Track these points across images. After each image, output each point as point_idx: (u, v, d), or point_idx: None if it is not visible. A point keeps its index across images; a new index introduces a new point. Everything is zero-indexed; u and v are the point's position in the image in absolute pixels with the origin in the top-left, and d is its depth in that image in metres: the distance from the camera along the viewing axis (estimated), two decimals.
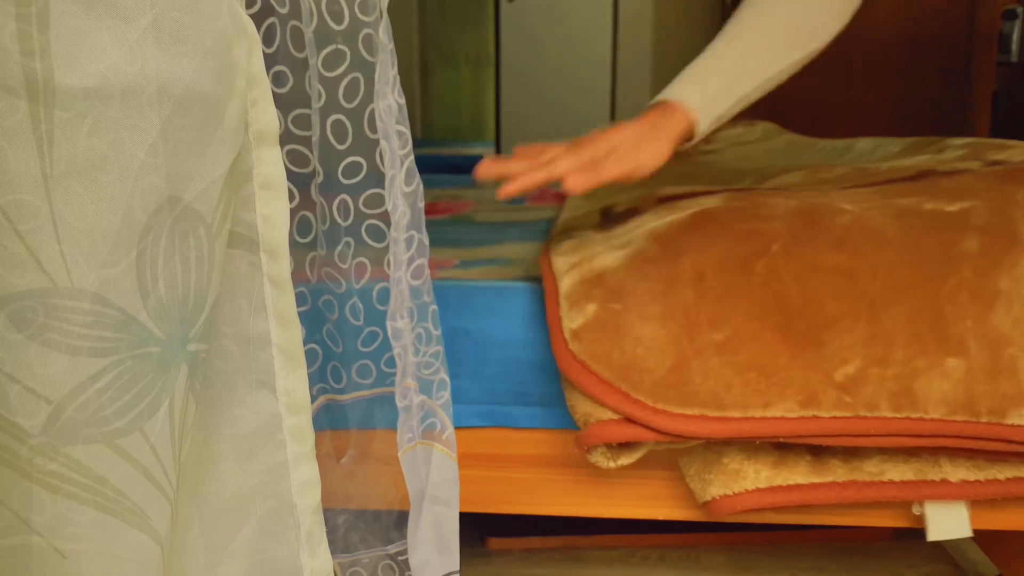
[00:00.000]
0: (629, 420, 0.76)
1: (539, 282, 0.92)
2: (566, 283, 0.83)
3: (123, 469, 0.46)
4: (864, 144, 1.33)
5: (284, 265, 0.56)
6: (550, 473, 0.88)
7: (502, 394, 0.88)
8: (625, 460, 0.78)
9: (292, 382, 0.57)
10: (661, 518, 0.86)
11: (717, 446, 0.80)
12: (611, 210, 1.02)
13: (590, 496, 0.86)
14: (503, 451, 0.89)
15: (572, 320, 0.79)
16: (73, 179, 0.42)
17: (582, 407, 0.77)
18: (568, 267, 0.85)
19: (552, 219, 1.35)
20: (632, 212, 0.96)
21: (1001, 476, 0.76)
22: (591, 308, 0.79)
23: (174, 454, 0.48)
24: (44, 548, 0.45)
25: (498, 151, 2.92)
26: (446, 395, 0.73)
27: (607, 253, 0.85)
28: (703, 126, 0.89)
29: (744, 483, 0.77)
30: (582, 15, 2.81)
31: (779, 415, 0.75)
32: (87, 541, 0.46)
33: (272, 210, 0.54)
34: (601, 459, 0.77)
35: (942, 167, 1.00)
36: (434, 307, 0.72)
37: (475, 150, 3.25)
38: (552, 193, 1.64)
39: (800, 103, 2.32)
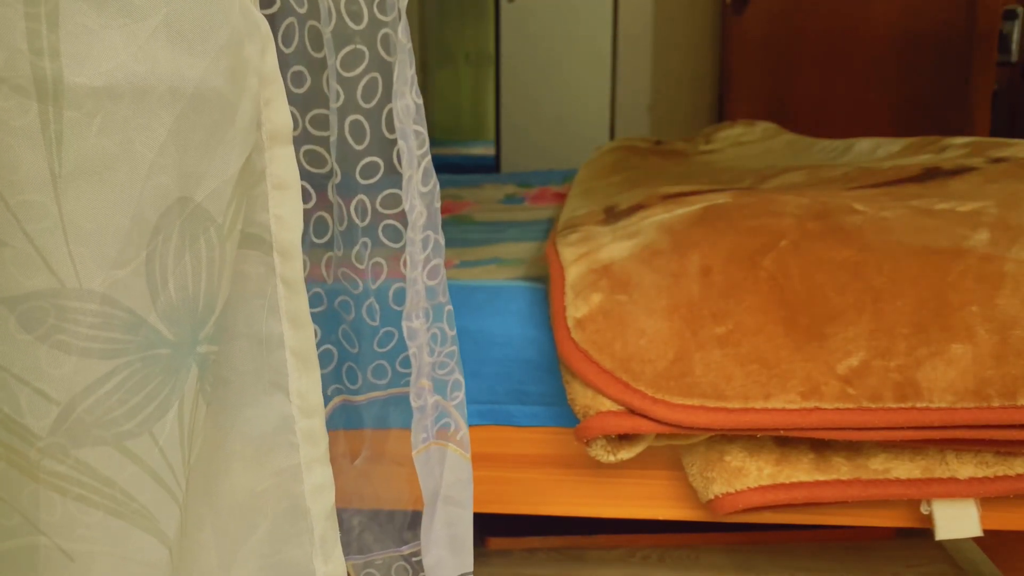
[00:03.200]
0: (629, 411, 0.76)
1: (538, 281, 0.92)
2: (573, 272, 0.83)
3: (131, 471, 0.46)
4: (864, 144, 1.33)
5: (297, 266, 0.55)
6: (550, 473, 0.87)
7: (502, 393, 0.88)
8: (625, 454, 0.78)
9: (305, 384, 0.57)
10: (662, 518, 0.86)
11: (719, 444, 0.80)
12: (614, 208, 1.02)
13: (590, 496, 0.86)
14: (503, 450, 0.89)
15: (577, 309, 0.79)
16: (82, 179, 0.42)
17: (582, 399, 0.77)
18: (576, 257, 0.85)
19: (552, 219, 1.35)
20: (637, 208, 0.97)
21: (1011, 472, 0.76)
22: (596, 298, 0.79)
23: (183, 456, 0.48)
24: (51, 549, 0.45)
25: (498, 151, 2.92)
26: (460, 395, 0.73)
27: (614, 244, 0.85)
28: None
29: (746, 480, 0.77)
30: (582, 15, 2.81)
31: (780, 406, 0.74)
32: (95, 543, 0.46)
33: (285, 210, 0.54)
34: (601, 452, 0.77)
35: (947, 164, 1.00)
36: (449, 308, 0.72)
37: (475, 150, 3.26)
38: (552, 193, 1.64)
39: (800, 103, 2.33)
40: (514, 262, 1.06)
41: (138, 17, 0.42)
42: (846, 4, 2.28)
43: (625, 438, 0.79)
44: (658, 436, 0.79)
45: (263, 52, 0.51)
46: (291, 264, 0.55)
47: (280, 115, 0.53)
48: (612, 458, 0.77)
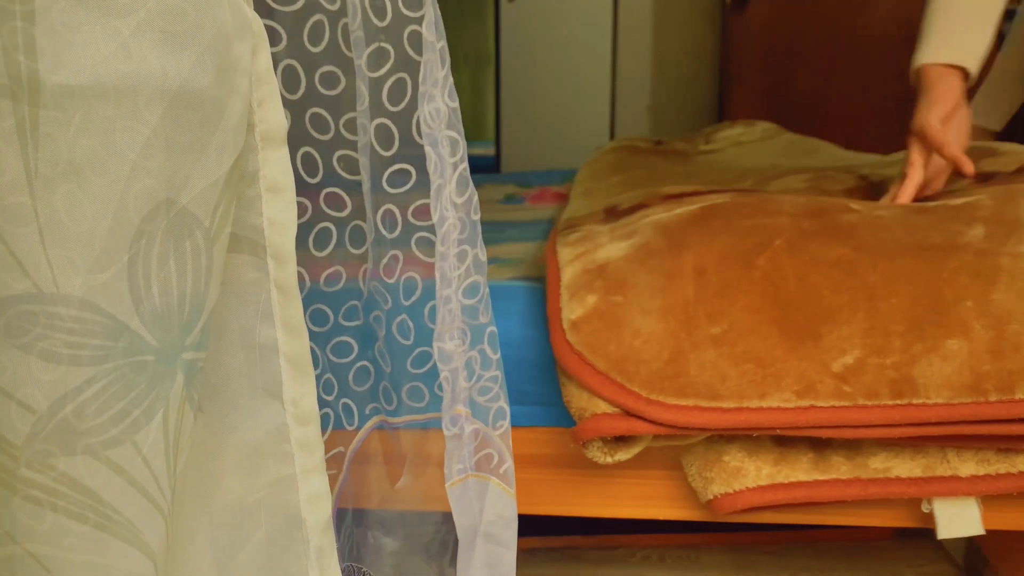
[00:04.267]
0: (625, 412, 0.76)
1: (538, 281, 0.92)
2: (568, 273, 0.83)
3: (112, 482, 0.44)
4: (868, 159, 1.33)
5: (291, 271, 0.54)
6: (550, 473, 0.87)
7: None
8: (622, 455, 0.78)
9: (300, 392, 0.55)
10: (661, 518, 0.86)
11: (718, 444, 0.79)
12: (615, 208, 1.02)
13: (590, 496, 0.86)
14: None
15: (572, 311, 0.79)
16: (60, 181, 0.40)
17: (577, 401, 0.77)
18: (572, 257, 0.85)
19: (552, 219, 1.35)
20: (638, 207, 0.97)
21: (1013, 470, 0.75)
22: (591, 299, 0.79)
23: (169, 466, 0.47)
24: (28, 561, 0.44)
25: (498, 151, 2.92)
26: (505, 424, 0.68)
27: (611, 244, 0.85)
28: (974, 69, 0.94)
29: (745, 481, 0.77)
30: (582, 15, 2.81)
31: (775, 405, 0.74)
32: (75, 553, 0.44)
33: (279, 214, 0.52)
34: (598, 454, 0.77)
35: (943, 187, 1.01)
36: (492, 329, 0.67)
37: (475, 150, 3.25)
38: (552, 193, 1.64)
39: (800, 103, 2.33)
40: (514, 262, 1.05)
41: (120, 14, 0.41)
42: (846, 4, 2.28)
43: (622, 439, 0.78)
44: (655, 437, 0.79)
45: (254, 51, 0.49)
46: (285, 269, 0.53)
47: (274, 116, 0.51)
48: (609, 460, 0.77)
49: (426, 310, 0.70)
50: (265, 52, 0.50)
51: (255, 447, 0.54)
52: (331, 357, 0.72)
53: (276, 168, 0.52)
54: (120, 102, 0.42)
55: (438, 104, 0.62)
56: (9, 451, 0.42)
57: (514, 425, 0.89)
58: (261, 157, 0.51)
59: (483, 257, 0.67)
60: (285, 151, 0.53)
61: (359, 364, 0.74)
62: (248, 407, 0.54)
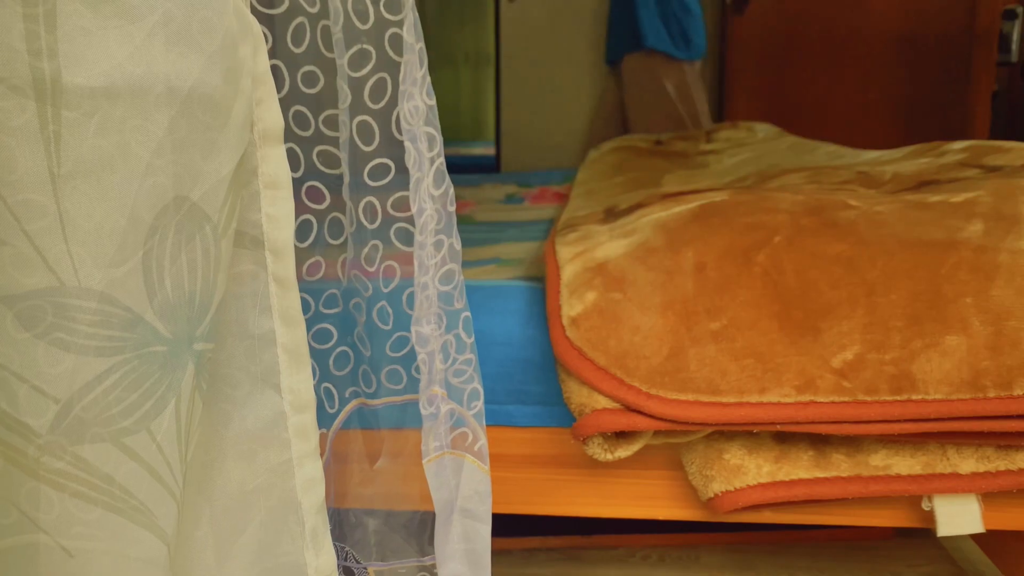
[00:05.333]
0: (625, 408, 0.76)
1: (538, 281, 0.92)
2: (568, 272, 0.83)
3: (130, 468, 0.46)
4: (869, 155, 1.33)
5: (289, 264, 0.56)
6: (550, 473, 0.87)
7: (501, 393, 0.88)
8: (623, 452, 0.78)
9: (297, 381, 0.57)
10: (661, 518, 0.86)
11: (718, 442, 0.80)
12: (615, 208, 1.02)
13: (590, 496, 0.86)
14: (503, 451, 0.89)
15: (571, 308, 0.80)
16: (80, 179, 0.42)
17: (577, 397, 0.77)
18: (571, 256, 0.85)
19: (552, 219, 1.35)
20: (636, 207, 0.97)
21: (1013, 467, 0.75)
22: (591, 296, 0.80)
23: (181, 453, 0.48)
24: (51, 547, 0.45)
25: (498, 151, 2.91)
26: (479, 405, 0.71)
27: (610, 242, 0.85)
28: None
29: (746, 478, 0.77)
30: (582, 15, 2.81)
31: (775, 400, 0.74)
32: (94, 540, 0.46)
33: (277, 209, 0.54)
34: (598, 451, 0.77)
35: (944, 175, 1.01)
36: (467, 314, 0.70)
37: (475, 150, 3.25)
38: (552, 193, 1.64)
39: (800, 103, 2.33)
40: (514, 262, 1.06)
41: (134, 18, 0.43)
42: (846, 4, 2.28)
43: (622, 436, 0.79)
44: (656, 434, 0.79)
45: (255, 53, 0.51)
46: (283, 262, 0.55)
47: (271, 115, 0.53)
48: (609, 456, 0.77)
49: (404, 296, 0.73)
50: (263, 53, 0.52)
51: (254, 435, 0.56)
52: (312, 343, 0.74)
53: (274, 165, 0.54)
54: (135, 104, 0.43)
55: (417, 102, 0.65)
56: (32, 439, 0.44)
57: (515, 425, 0.89)
58: (260, 154, 0.53)
59: (458, 247, 0.69)
60: (282, 149, 0.54)
61: (339, 349, 0.76)
62: (247, 396, 0.55)
